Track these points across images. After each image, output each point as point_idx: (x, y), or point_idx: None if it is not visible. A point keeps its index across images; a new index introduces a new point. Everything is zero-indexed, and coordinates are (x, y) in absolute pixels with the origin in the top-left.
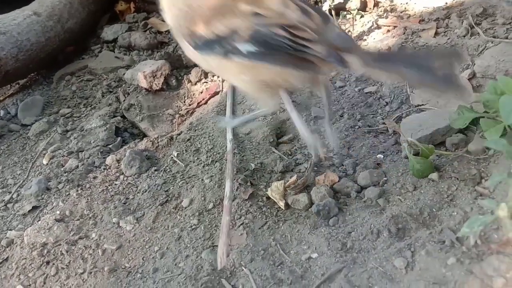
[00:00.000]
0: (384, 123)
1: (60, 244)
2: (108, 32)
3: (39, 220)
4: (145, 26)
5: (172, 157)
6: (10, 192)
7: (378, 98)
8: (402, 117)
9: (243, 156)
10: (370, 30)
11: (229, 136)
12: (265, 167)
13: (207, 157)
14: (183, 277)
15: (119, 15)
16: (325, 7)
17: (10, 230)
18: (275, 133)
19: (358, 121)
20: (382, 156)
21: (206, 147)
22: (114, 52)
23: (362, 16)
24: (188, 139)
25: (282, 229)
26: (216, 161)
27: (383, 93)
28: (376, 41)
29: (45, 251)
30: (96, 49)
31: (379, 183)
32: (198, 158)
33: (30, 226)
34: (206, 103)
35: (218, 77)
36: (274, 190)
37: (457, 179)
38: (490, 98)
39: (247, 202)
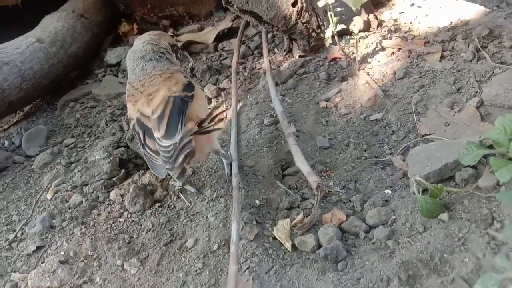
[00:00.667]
0: (391, 153)
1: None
2: (111, 56)
3: (43, 262)
4: None
5: (176, 192)
6: (14, 230)
7: (384, 126)
8: (410, 147)
9: (248, 191)
10: (374, 52)
11: (235, 170)
12: (270, 203)
13: (211, 192)
14: None
15: (123, 36)
16: (328, 34)
17: (15, 272)
18: (280, 165)
19: (365, 151)
20: (390, 192)
21: (210, 181)
22: (118, 76)
23: (366, 37)
24: (193, 173)
25: (289, 274)
26: (220, 197)
27: (389, 120)
28: (381, 64)
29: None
30: (99, 73)
31: (387, 222)
32: (202, 193)
33: (35, 269)
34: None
35: (222, 102)
36: (280, 229)
37: (468, 220)
38: (499, 137)
39: (252, 243)
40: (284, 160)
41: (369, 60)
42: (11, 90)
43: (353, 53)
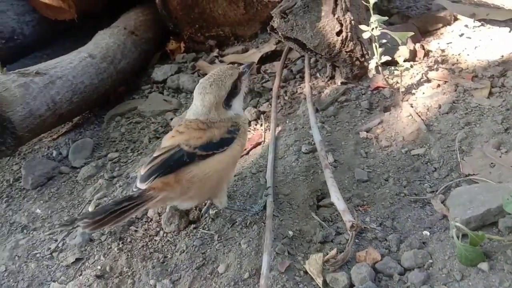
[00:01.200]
0: (432, 191)
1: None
2: (158, 73)
3: (80, 275)
4: (193, 68)
5: (210, 215)
6: (56, 240)
7: (426, 162)
8: (452, 187)
9: (281, 221)
10: (419, 83)
11: (270, 199)
12: (304, 235)
13: (245, 218)
14: None
15: (170, 53)
16: (372, 65)
17: (54, 281)
18: (316, 196)
19: (404, 187)
20: (429, 233)
21: (244, 202)
22: (163, 94)
23: (411, 67)
24: (229, 196)
25: None
26: (254, 224)
27: (432, 156)
28: (426, 96)
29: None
30: (146, 89)
31: (424, 265)
32: (235, 219)
33: (72, 281)
34: (248, 153)
35: (261, 125)
36: (312, 264)
37: (511, 272)
38: None
39: (283, 275)
40: (320, 190)
41: (414, 91)
42: (62, 103)
43: (397, 83)
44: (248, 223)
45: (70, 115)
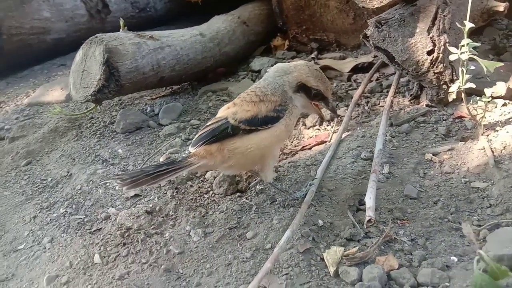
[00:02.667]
0: (479, 225)
1: (139, 232)
2: (256, 63)
3: (134, 207)
4: None
5: (255, 189)
6: (119, 169)
7: (483, 197)
8: (500, 226)
9: (317, 210)
10: (507, 122)
11: (313, 188)
12: (333, 228)
13: (285, 199)
14: None
15: (273, 49)
16: (453, 88)
17: (112, 207)
18: (359, 199)
19: (451, 214)
20: (456, 260)
21: (288, 187)
22: (254, 81)
23: (504, 105)
24: (277, 178)
25: None
26: (291, 207)
27: (491, 193)
28: (508, 135)
29: (126, 234)
30: (242, 75)
31: (438, 286)
32: (276, 199)
33: (126, 210)
34: (310, 148)
35: (332, 127)
36: (331, 254)
37: None
38: None
39: (300, 255)
40: (365, 195)
41: (498, 128)
42: (165, 68)
43: (481, 115)
44: (286, 204)
45: (170, 80)
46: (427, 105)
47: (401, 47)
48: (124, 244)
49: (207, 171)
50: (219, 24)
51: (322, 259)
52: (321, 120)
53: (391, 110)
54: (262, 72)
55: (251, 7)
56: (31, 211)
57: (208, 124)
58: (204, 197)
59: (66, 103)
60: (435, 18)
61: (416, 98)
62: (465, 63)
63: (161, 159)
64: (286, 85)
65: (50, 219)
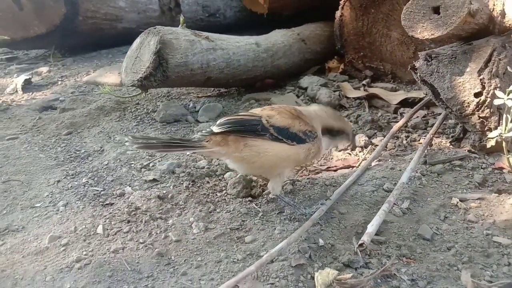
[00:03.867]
0: (491, 281)
1: (146, 214)
2: (306, 80)
3: (149, 190)
4: (337, 87)
5: (267, 198)
6: (149, 161)
7: (504, 253)
8: None
9: (322, 230)
10: None
11: (323, 208)
12: (333, 251)
13: (293, 213)
14: None
15: (327, 70)
16: (493, 134)
17: (129, 186)
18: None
19: (462, 263)
20: None
21: (300, 202)
22: (298, 97)
23: None
24: (291, 191)
25: None
26: (297, 221)
27: None
28: None
29: (133, 213)
30: (288, 89)
31: None
32: (284, 211)
33: (140, 191)
34: (335, 170)
35: (363, 154)
36: (323, 275)
37: None
38: None
39: (291, 269)
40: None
41: None
42: (214, 69)
43: None
44: (292, 218)
45: (217, 82)
46: (468, 151)
47: (448, 84)
48: (129, 221)
49: (218, 159)
50: (277, 37)
51: (313, 278)
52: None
53: (429, 148)
54: (308, 90)
55: (313, 27)
56: (57, 176)
57: (240, 113)
58: (216, 195)
59: (119, 86)
60: (488, 60)
61: (458, 140)
62: (511, 110)
63: (188, 152)
64: (314, 121)
65: (71, 186)
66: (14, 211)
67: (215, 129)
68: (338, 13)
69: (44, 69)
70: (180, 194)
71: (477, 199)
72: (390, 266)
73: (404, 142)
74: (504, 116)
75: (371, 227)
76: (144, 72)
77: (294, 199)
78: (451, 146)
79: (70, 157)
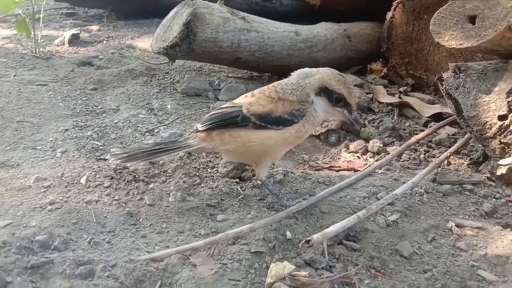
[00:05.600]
0: None
1: (131, 174)
2: None
3: None
4: (370, 89)
5: (255, 183)
6: (155, 127)
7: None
8: None
9: (295, 224)
10: None
11: (305, 203)
12: (298, 246)
13: (273, 202)
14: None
15: (368, 71)
16: (504, 162)
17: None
18: (348, 233)
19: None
20: None
21: (285, 193)
22: None
23: None
24: (281, 180)
25: None
26: (274, 211)
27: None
28: None
29: (119, 171)
30: None
31: None
32: (266, 198)
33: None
34: (337, 171)
35: (375, 160)
36: (279, 267)
37: None
38: None
39: (249, 254)
40: (356, 232)
41: None
42: (244, 51)
43: None
44: (271, 207)
45: (246, 64)
46: (487, 178)
47: (472, 101)
48: (112, 178)
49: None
50: (320, 30)
51: (268, 268)
52: (351, 126)
53: (445, 166)
54: None
55: (363, 26)
56: (67, 125)
57: (222, 106)
58: (207, 170)
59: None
60: None
61: (477, 164)
62: None
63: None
64: (307, 87)
65: (75, 136)
66: (17, 149)
67: (199, 127)
68: (389, 14)
69: (95, 28)
70: (172, 163)
71: (475, 228)
72: (352, 274)
73: (422, 156)
74: None
75: (332, 228)
76: (171, 42)
77: (280, 190)
78: (468, 169)
79: (86, 110)
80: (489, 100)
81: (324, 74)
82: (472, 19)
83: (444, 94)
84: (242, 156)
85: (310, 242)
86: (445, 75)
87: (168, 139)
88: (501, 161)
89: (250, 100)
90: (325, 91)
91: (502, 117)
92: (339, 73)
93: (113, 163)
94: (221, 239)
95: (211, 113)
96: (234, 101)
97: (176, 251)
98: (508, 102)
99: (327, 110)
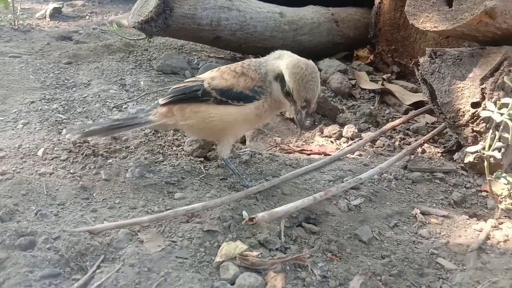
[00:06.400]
0: None
1: (90, 148)
2: (325, 63)
3: None
4: (353, 74)
5: (219, 163)
6: (125, 102)
7: (441, 277)
8: None
9: (255, 204)
10: None
11: (266, 184)
12: (254, 227)
13: (235, 182)
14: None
15: (354, 58)
16: (472, 149)
17: (92, 120)
18: (308, 215)
19: (390, 275)
20: None
21: (249, 174)
22: None
23: None
24: (247, 161)
25: (187, 275)
26: (235, 191)
27: (453, 278)
28: None
29: (78, 145)
30: None
31: None
32: (228, 178)
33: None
34: (308, 155)
35: (347, 146)
36: (230, 246)
37: None
38: None
39: (201, 233)
40: (317, 215)
41: None
42: (225, 29)
43: (505, 196)
44: (231, 187)
45: (227, 44)
46: (461, 167)
47: (447, 87)
48: (70, 151)
49: (166, 130)
50: (307, 12)
51: (218, 247)
52: (294, 122)
53: (419, 154)
54: (322, 72)
55: (353, 11)
56: (34, 97)
57: (185, 80)
58: (172, 148)
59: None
60: (496, 69)
61: (450, 152)
62: (500, 126)
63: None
64: (270, 68)
65: (40, 109)
66: None
67: (161, 101)
68: (377, 0)
69: (79, 3)
70: (136, 139)
71: (441, 216)
72: (305, 256)
73: (397, 143)
74: (490, 131)
75: (283, 208)
76: (146, 16)
77: (245, 170)
78: (442, 158)
79: (57, 84)
80: (463, 87)
81: (288, 62)
82: (449, 2)
83: (419, 79)
84: (203, 133)
85: (254, 219)
86: (421, 60)
87: (126, 116)
88: (469, 148)
89: (213, 75)
90: (281, 79)
91: (475, 104)
92: (307, 67)
93: (70, 138)
94: (169, 216)
95: (173, 87)
96: (198, 75)
97: (117, 225)
98: (482, 89)
99: (279, 98)
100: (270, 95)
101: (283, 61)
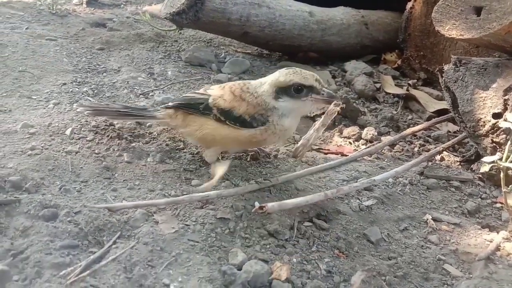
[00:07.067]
0: None
1: (115, 132)
2: (351, 65)
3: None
4: (379, 77)
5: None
6: (152, 90)
7: (446, 283)
8: None
9: (268, 197)
10: None
11: (281, 179)
12: (265, 218)
13: (248, 174)
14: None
15: (382, 61)
16: (488, 159)
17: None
18: (319, 212)
19: (394, 277)
20: None
21: (256, 173)
22: (334, 78)
23: None
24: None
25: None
26: (261, 183)
27: (458, 285)
28: None
29: (105, 126)
30: (330, 68)
31: None
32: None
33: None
34: (325, 154)
35: (366, 148)
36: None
37: None
38: None
39: (213, 219)
40: (328, 212)
41: None
42: (253, 26)
43: None
44: (246, 179)
45: (255, 40)
46: (479, 178)
47: (469, 96)
48: (96, 133)
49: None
50: (336, 13)
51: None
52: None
53: (434, 161)
54: (347, 74)
55: (384, 14)
56: (66, 79)
57: (196, 91)
58: (182, 142)
59: None
60: None
61: (468, 162)
62: None
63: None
64: (264, 95)
65: (71, 91)
66: (12, 96)
67: (170, 103)
68: (409, 5)
69: None
70: (159, 126)
71: (452, 224)
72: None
73: (416, 149)
74: (509, 142)
75: (293, 200)
76: (178, 8)
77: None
78: (460, 166)
79: (89, 68)
80: (485, 96)
81: (272, 78)
82: (478, 11)
83: (442, 86)
84: (196, 140)
85: (264, 208)
86: (446, 67)
87: (138, 106)
88: (485, 158)
89: (219, 93)
90: (282, 91)
91: (496, 115)
92: (288, 68)
93: (82, 112)
94: (185, 201)
95: (184, 95)
96: (209, 90)
97: (134, 205)
98: (505, 100)
99: (295, 108)
100: (272, 124)
101: (268, 81)
